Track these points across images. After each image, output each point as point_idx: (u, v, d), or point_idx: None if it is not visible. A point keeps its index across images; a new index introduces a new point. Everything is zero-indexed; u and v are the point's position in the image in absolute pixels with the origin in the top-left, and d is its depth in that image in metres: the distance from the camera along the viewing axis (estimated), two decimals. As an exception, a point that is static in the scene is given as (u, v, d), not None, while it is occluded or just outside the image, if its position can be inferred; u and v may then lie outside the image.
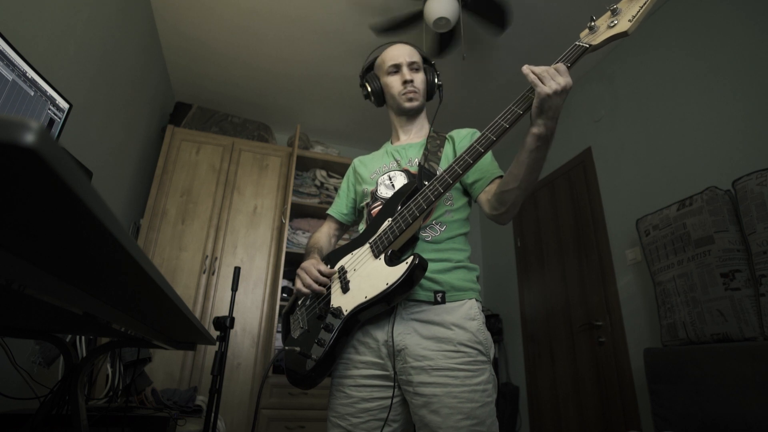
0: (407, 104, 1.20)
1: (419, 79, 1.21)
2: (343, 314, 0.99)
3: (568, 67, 0.88)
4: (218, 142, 3.05)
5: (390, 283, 0.94)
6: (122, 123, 2.44)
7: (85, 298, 0.48)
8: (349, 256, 1.09)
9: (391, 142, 1.30)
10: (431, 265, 0.98)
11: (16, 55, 1.03)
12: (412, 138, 1.25)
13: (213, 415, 1.35)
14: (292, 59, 3.04)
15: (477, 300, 1.06)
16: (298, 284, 1.09)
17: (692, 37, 2.28)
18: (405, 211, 0.99)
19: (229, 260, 2.77)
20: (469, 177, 1.12)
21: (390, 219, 1.03)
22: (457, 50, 2.68)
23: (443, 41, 2.64)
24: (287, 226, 2.91)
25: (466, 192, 1.16)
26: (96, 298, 0.50)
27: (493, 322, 3.53)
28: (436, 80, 1.24)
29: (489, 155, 1.10)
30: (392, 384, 1.00)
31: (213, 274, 2.71)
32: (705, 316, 1.65)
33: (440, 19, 2.30)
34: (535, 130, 0.89)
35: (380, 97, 1.26)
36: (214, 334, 1.44)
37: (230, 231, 2.85)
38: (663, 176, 2.31)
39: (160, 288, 0.43)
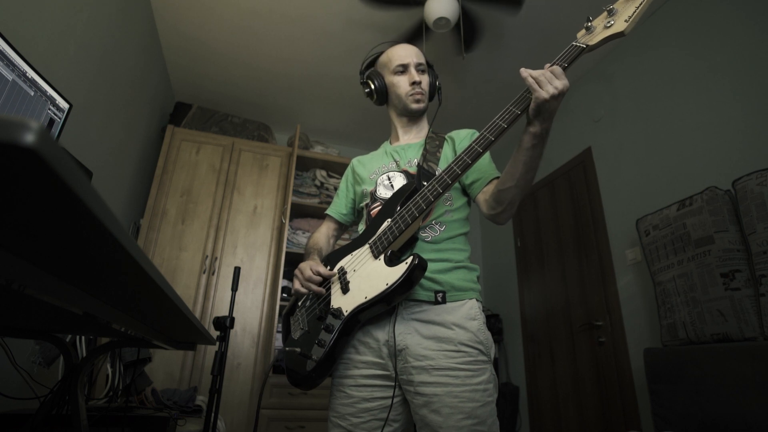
0: (414, 105, 1.20)
1: (425, 81, 1.21)
2: (343, 315, 0.99)
3: (565, 68, 0.89)
4: (218, 142, 3.05)
5: (390, 284, 0.94)
6: (122, 123, 2.44)
7: (85, 298, 0.48)
8: (349, 256, 1.09)
9: (390, 142, 1.30)
10: (431, 265, 0.98)
11: (16, 55, 1.03)
12: (412, 138, 1.25)
13: (213, 415, 1.35)
14: (292, 59, 3.04)
15: (478, 300, 1.07)
16: (296, 285, 1.10)
17: (692, 37, 2.28)
18: (404, 212, 0.99)
19: (229, 260, 2.77)
20: (468, 177, 1.13)
21: (389, 219, 1.03)
22: (448, 49, 2.68)
23: (464, 39, 2.59)
24: (287, 226, 2.91)
25: (465, 192, 1.16)
26: (96, 298, 0.50)
27: (493, 322, 3.53)
28: (437, 82, 1.25)
29: (487, 156, 1.11)
30: (392, 384, 1.00)
31: (213, 274, 2.71)
32: (705, 316, 1.65)
33: (440, 19, 2.29)
34: (531, 129, 0.90)
35: (383, 95, 1.24)
36: (214, 334, 1.44)
37: (230, 231, 2.85)
38: (663, 176, 2.31)
39: (160, 288, 0.43)
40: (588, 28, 0.94)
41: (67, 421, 0.99)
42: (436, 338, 0.98)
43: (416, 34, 2.62)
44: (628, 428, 2.25)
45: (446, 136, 1.22)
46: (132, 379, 1.62)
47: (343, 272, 1.07)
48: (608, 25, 0.90)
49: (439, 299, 1.01)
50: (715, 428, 1.49)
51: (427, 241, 1.06)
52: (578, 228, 2.90)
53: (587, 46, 0.91)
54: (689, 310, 1.72)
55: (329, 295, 1.07)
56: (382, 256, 1.00)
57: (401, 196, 1.07)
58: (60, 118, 1.20)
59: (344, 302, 1.01)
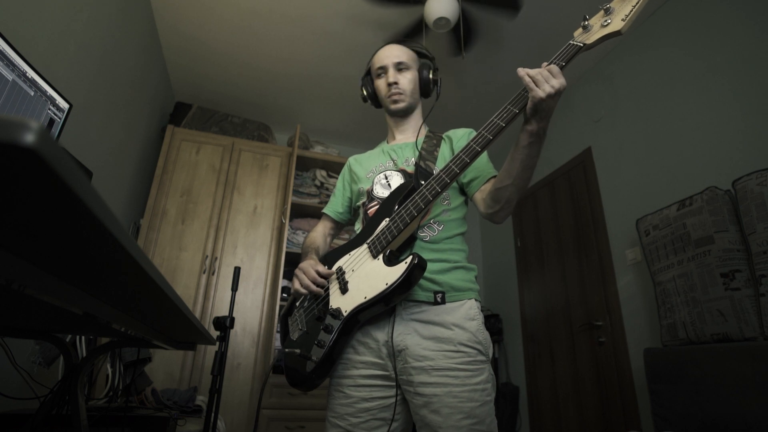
0: (392, 106, 1.21)
1: (406, 79, 1.20)
2: (342, 315, 0.99)
3: (563, 67, 0.89)
4: (218, 142, 3.06)
5: (389, 284, 0.94)
6: (122, 123, 2.44)
7: (85, 298, 0.48)
8: (347, 256, 1.09)
9: (387, 142, 1.30)
10: (430, 266, 0.98)
11: (16, 55, 1.03)
12: (408, 137, 1.25)
13: (213, 415, 1.35)
14: (292, 59, 3.04)
15: (476, 300, 1.07)
16: (296, 285, 1.09)
17: (691, 37, 2.28)
18: (402, 211, 0.99)
19: (229, 260, 2.77)
20: (465, 176, 1.12)
21: (387, 219, 1.03)
22: (448, 49, 2.68)
23: (456, 40, 2.61)
24: (287, 226, 2.91)
25: (462, 191, 1.16)
26: (96, 298, 0.50)
27: (493, 322, 3.53)
28: (431, 76, 1.22)
29: (485, 155, 1.10)
30: (392, 384, 1.00)
31: (213, 274, 2.71)
32: (705, 316, 1.65)
33: (440, 19, 2.29)
34: (528, 127, 0.90)
35: (376, 99, 1.27)
36: (214, 334, 1.44)
37: (230, 231, 2.85)
38: (663, 176, 2.31)
39: (160, 288, 0.43)
40: (585, 27, 0.94)
41: (67, 421, 0.99)
42: (435, 339, 0.98)
43: (416, 32, 2.61)
44: (628, 428, 2.25)
45: (443, 136, 1.22)
46: (132, 379, 1.62)
47: (341, 272, 1.07)
48: (605, 23, 0.90)
49: (439, 300, 1.01)
50: (715, 428, 1.49)
51: (426, 241, 1.06)
52: (578, 228, 2.90)
53: (584, 44, 0.91)
54: (689, 310, 1.72)
55: (328, 295, 1.06)
56: (380, 256, 1.00)
57: (399, 195, 1.06)
58: (60, 118, 1.20)
59: (343, 302, 1.01)
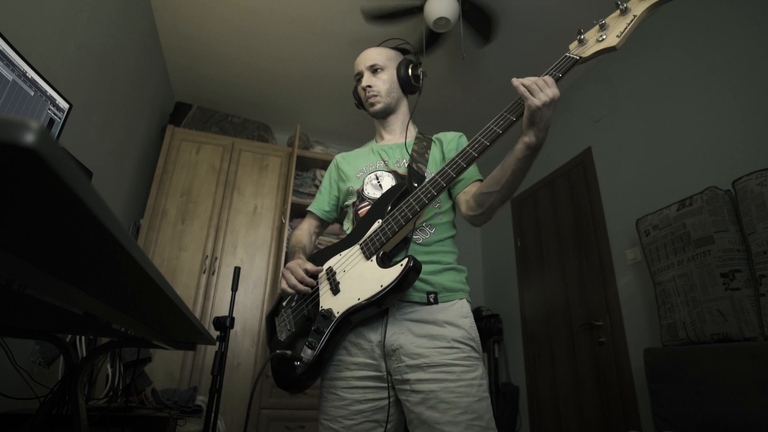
0: (370, 109, 1.22)
1: (380, 80, 1.21)
2: (334, 316, 0.98)
3: (559, 78, 0.91)
4: (218, 142, 3.06)
5: (384, 285, 0.94)
6: (122, 123, 2.44)
7: (85, 298, 0.48)
8: (337, 256, 1.08)
9: (376, 141, 1.30)
10: (423, 267, 0.98)
11: (16, 55, 1.03)
12: (398, 138, 1.25)
13: (213, 415, 1.35)
14: (292, 59, 3.04)
15: (468, 300, 1.08)
16: (283, 285, 1.07)
17: (691, 37, 2.28)
18: (396, 213, 0.99)
19: (229, 260, 2.77)
20: None
21: (380, 220, 1.03)
22: (448, 49, 2.68)
23: (432, 39, 2.63)
24: (287, 226, 2.91)
25: (450, 194, 1.17)
26: (96, 298, 0.50)
27: (493, 322, 3.53)
28: (409, 72, 1.22)
29: None
30: (385, 385, 1.00)
31: (213, 274, 2.71)
32: (705, 316, 1.65)
33: (440, 19, 2.30)
34: (526, 139, 0.90)
35: (363, 105, 1.29)
36: (214, 334, 1.44)
37: (230, 231, 2.85)
38: (663, 176, 2.31)
39: (160, 288, 0.43)
40: (580, 41, 0.96)
41: (67, 421, 0.99)
42: (429, 336, 0.98)
43: (420, 42, 2.62)
44: (628, 428, 2.25)
45: (433, 138, 1.22)
46: (132, 379, 1.62)
47: (332, 273, 1.05)
48: (600, 39, 0.94)
49: (431, 300, 1.01)
50: (715, 428, 1.49)
51: (419, 244, 1.06)
52: (578, 228, 2.90)
53: (580, 57, 0.94)
54: (689, 310, 1.72)
55: (318, 296, 1.05)
56: (374, 257, 0.99)
57: (392, 196, 1.06)
58: (60, 118, 1.20)
59: (335, 303, 1.00)
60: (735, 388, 1.46)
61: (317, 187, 3.33)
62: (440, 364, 0.95)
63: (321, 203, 1.31)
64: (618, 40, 0.91)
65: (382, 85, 1.20)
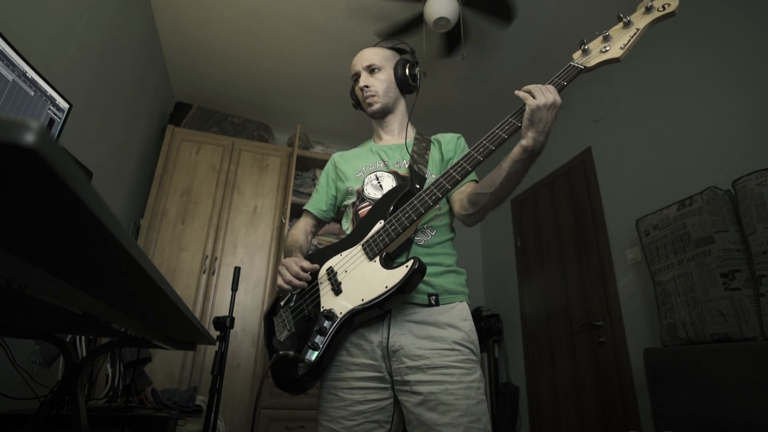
0: (368, 109, 1.23)
1: (377, 80, 1.21)
2: (337, 317, 0.98)
3: (564, 86, 0.92)
4: (218, 142, 3.06)
5: (389, 287, 0.93)
6: (122, 123, 2.44)
7: (85, 298, 0.48)
8: (338, 256, 1.07)
9: (375, 141, 1.30)
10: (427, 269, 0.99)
11: (16, 55, 1.03)
12: (396, 138, 1.25)
13: (213, 415, 1.35)
14: (292, 59, 3.04)
15: (467, 303, 1.08)
16: (279, 281, 1.06)
17: (692, 37, 2.28)
18: (400, 214, 0.99)
19: (229, 260, 2.77)
20: None
21: (383, 221, 1.03)
22: (458, 50, 2.68)
23: (450, 42, 2.63)
24: (287, 226, 2.91)
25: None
26: (96, 298, 0.50)
27: (493, 322, 3.53)
28: (407, 71, 1.22)
29: None
30: (386, 386, 1.00)
31: (213, 274, 2.71)
32: (705, 316, 1.65)
33: (440, 19, 2.30)
34: (523, 142, 0.90)
35: (360, 106, 1.29)
36: (214, 334, 1.44)
37: (230, 231, 2.85)
38: (663, 176, 2.31)
39: (160, 288, 0.43)
40: (584, 51, 0.98)
41: (67, 421, 0.99)
42: (430, 338, 0.98)
43: (415, 28, 2.61)
44: (628, 428, 2.25)
45: (432, 139, 1.22)
46: (132, 379, 1.62)
47: (333, 273, 1.05)
48: (604, 50, 0.96)
49: (432, 302, 1.01)
50: (715, 428, 1.49)
51: (420, 245, 1.06)
52: (578, 228, 2.90)
53: (585, 67, 0.96)
54: (689, 310, 1.72)
55: (318, 296, 1.05)
56: (377, 258, 0.99)
57: (394, 197, 1.06)
58: (60, 118, 1.20)
59: (337, 304, 1.00)
60: (735, 388, 1.46)
61: (317, 187, 3.32)
62: (440, 366, 0.95)
63: (318, 202, 1.30)
64: (621, 52, 0.94)
65: (379, 85, 1.20)
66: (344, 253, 1.07)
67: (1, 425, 1.25)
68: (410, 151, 1.17)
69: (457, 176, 0.94)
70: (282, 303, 1.14)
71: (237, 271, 1.58)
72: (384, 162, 1.19)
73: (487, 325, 3.51)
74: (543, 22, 2.63)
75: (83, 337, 1.49)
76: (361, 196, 1.16)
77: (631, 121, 2.59)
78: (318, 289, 1.06)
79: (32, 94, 1.08)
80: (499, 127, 0.94)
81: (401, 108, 1.27)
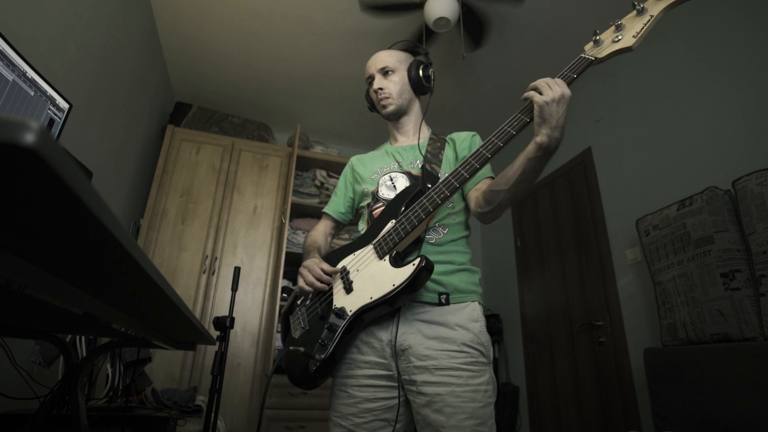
0: (383, 111, 1.23)
1: (391, 82, 1.21)
2: (347, 314, 0.99)
3: (574, 79, 0.91)
4: (218, 142, 3.06)
5: (397, 285, 0.94)
6: (122, 123, 2.44)
7: (85, 298, 0.48)
8: (351, 256, 1.09)
9: (390, 143, 1.31)
10: (436, 267, 0.99)
11: (16, 55, 1.03)
12: (411, 139, 1.25)
13: (213, 415, 1.35)
14: (292, 59, 3.04)
15: (480, 303, 1.07)
16: (301, 282, 1.09)
17: (693, 37, 2.28)
18: (410, 213, 0.99)
19: (229, 260, 2.77)
20: None
21: (394, 220, 1.04)
22: (447, 49, 2.68)
23: (429, 34, 2.61)
24: (287, 226, 2.91)
25: (464, 195, 1.17)
26: (96, 298, 0.50)
27: (493, 322, 3.53)
28: (420, 73, 1.22)
29: None
30: (395, 384, 1.00)
31: (213, 274, 2.71)
32: (705, 316, 1.65)
33: (440, 19, 2.30)
34: (537, 139, 0.89)
35: (375, 108, 1.30)
36: (214, 334, 1.44)
37: (230, 231, 2.85)
38: (663, 176, 2.31)
39: (160, 288, 0.43)
40: (596, 42, 0.96)
41: (67, 421, 0.99)
42: (439, 338, 0.98)
43: (419, 38, 2.62)
44: (628, 428, 2.25)
45: (447, 138, 1.22)
46: (132, 379, 1.62)
47: (345, 272, 1.07)
48: (616, 39, 0.93)
49: (443, 301, 1.01)
50: (715, 428, 1.49)
51: (431, 243, 1.07)
52: (578, 228, 2.90)
53: (596, 58, 0.94)
54: (689, 310, 1.72)
55: (331, 294, 1.06)
56: (387, 257, 1.00)
57: (406, 197, 1.07)
58: (60, 118, 1.20)
59: (348, 302, 1.01)
60: (735, 388, 1.46)
61: (317, 187, 3.33)
62: (448, 367, 0.95)
63: (336, 205, 1.32)
64: (634, 40, 0.91)
65: (393, 87, 1.21)
66: (357, 252, 1.08)
67: (1, 425, 1.25)
68: (424, 151, 1.17)
69: (466, 174, 0.94)
70: (298, 302, 1.16)
71: (237, 271, 1.58)
72: (398, 163, 1.20)
73: (486, 325, 3.51)
74: (543, 22, 2.62)
75: (83, 337, 1.49)
76: (375, 197, 1.17)
77: (631, 122, 2.59)
78: (331, 288, 1.07)
79: (32, 94, 1.08)
80: (508, 124, 0.94)
81: (416, 109, 1.28)
